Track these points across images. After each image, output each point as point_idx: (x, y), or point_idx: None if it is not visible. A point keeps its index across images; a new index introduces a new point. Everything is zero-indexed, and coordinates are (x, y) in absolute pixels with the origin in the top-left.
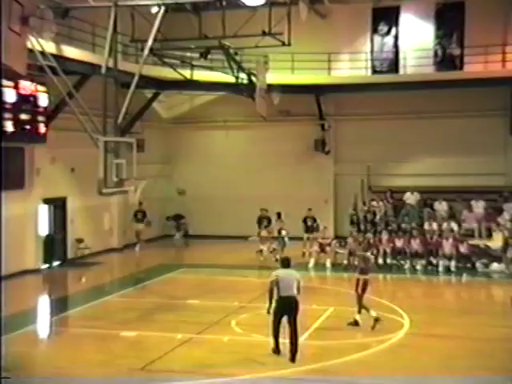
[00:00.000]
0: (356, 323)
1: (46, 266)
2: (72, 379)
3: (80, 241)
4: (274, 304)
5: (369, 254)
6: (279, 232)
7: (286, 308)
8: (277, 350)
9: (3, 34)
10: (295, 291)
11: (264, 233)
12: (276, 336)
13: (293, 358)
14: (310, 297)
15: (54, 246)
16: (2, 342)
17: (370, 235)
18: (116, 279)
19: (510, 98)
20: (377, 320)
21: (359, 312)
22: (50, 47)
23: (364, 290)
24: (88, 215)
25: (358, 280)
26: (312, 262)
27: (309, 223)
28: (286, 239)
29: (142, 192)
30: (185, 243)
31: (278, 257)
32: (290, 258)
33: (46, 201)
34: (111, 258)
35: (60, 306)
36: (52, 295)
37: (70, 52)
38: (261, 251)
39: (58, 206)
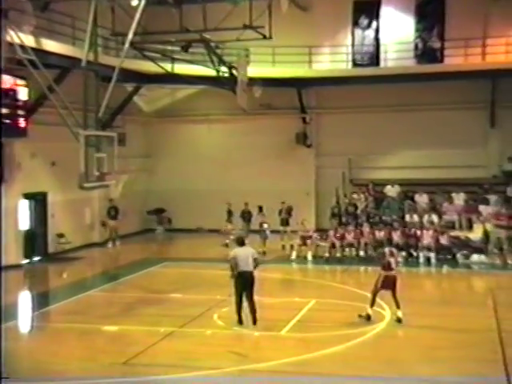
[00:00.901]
0: (368, 317)
1: (27, 261)
2: (54, 374)
3: (61, 235)
4: (234, 279)
5: (391, 249)
6: (261, 225)
7: (244, 282)
8: (240, 321)
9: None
10: (251, 267)
11: (229, 226)
12: (239, 310)
13: (254, 321)
14: (291, 289)
15: (34, 240)
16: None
17: (351, 227)
18: (97, 274)
19: (490, 91)
20: (368, 318)
21: (372, 306)
22: (29, 41)
23: (385, 285)
24: (69, 210)
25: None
26: (294, 254)
27: (282, 216)
28: (268, 232)
29: (123, 186)
30: (166, 237)
31: (259, 250)
32: (243, 236)
33: (27, 195)
34: (92, 252)
35: (41, 301)
36: (33, 290)
37: (50, 45)
38: (226, 245)
39: (38, 200)
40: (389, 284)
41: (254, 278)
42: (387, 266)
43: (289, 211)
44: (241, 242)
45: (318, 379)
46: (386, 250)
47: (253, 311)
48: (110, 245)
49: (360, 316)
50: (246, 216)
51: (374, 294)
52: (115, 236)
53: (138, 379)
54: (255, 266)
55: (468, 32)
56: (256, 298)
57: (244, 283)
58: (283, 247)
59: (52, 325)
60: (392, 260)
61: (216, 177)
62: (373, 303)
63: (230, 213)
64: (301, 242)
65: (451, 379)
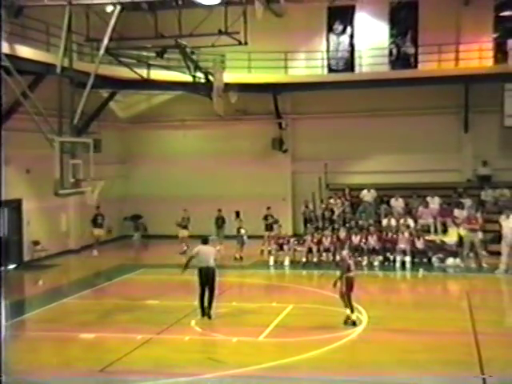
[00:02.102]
0: (354, 323)
1: (2, 268)
2: (31, 382)
3: (36, 243)
4: (196, 275)
5: (344, 252)
6: (238, 231)
7: (206, 276)
8: (202, 314)
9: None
10: (212, 263)
11: (183, 233)
12: (201, 302)
13: (209, 316)
14: (269, 294)
15: (9, 248)
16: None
17: (327, 232)
18: (73, 281)
19: (463, 96)
20: (351, 321)
21: (352, 311)
22: (3, 47)
23: (348, 287)
24: (44, 217)
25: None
26: (272, 259)
27: (269, 221)
28: (245, 238)
29: (99, 193)
30: (143, 243)
31: (237, 255)
32: (207, 237)
33: (1, 203)
34: (68, 259)
35: (16, 309)
36: (8, 298)
37: (24, 51)
38: (184, 252)
39: (13, 207)
40: (351, 286)
41: (214, 273)
42: (348, 269)
43: (273, 216)
44: (204, 241)
45: None
46: (344, 253)
47: (209, 303)
48: (95, 252)
49: (346, 323)
50: (220, 222)
51: (348, 298)
52: (97, 243)
53: None
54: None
55: (441, 38)
56: (234, 303)
57: (206, 277)
58: (262, 252)
59: (27, 333)
60: (351, 262)
61: (192, 182)
62: (352, 307)
63: (184, 220)
64: (277, 247)
65: (427, 382)
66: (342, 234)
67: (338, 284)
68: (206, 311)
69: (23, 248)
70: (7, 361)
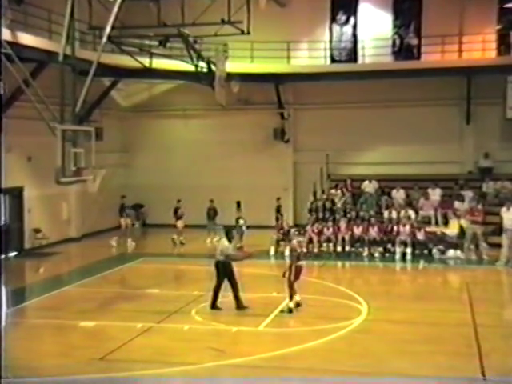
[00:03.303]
0: (290, 310)
1: (3, 256)
2: (29, 370)
3: (37, 231)
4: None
5: (294, 241)
6: (237, 221)
7: (216, 270)
8: (212, 306)
9: None
10: (220, 256)
11: (180, 223)
12: (214, 294)
13: (237, 306)
14: (269, 285)
15: (10, 236)
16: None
17: (329, 223)
18: (74, 269)
19: (466, 88)
20: (298, 305)
21: (291, 299)
22: (5, 34)
23: (297, 276)
24: (45, 205)
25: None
26: (272, 250)
27: (281, 212)
28: (244, 228)
29: (100, 181)
30: (142, 232)
31: (237, 245)
32: (231, 229)
33: (2, 190)
34: (69, 247)
35: (17, 296)
36: (9, 286)
37: (26, 39)
38: (173, 240)
39: (14, 195)
40: (299, 274)
41: (223, 267)
42: (298, 258)
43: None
44: (225, 232)
45: (296, 374)
46: (295, 241)
47: (235, 297)
48: (130, 242)
49: (282, 312)
50: (212, 213)
51: (291, 286)
52: (125, 232)
53: (114, 375)
54: (227, 256)
55: (445, 29)
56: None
57: (216, 271)
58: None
59: (28, 321)
60: (299, 251)
61: (193, 172)
62: (291, 296)
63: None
64: (279, 236)
65: (426, 374)
66: (343, 224)
67: (287, 274)
68: (215, 304)
69: (24, 236)
70: (7, 348)
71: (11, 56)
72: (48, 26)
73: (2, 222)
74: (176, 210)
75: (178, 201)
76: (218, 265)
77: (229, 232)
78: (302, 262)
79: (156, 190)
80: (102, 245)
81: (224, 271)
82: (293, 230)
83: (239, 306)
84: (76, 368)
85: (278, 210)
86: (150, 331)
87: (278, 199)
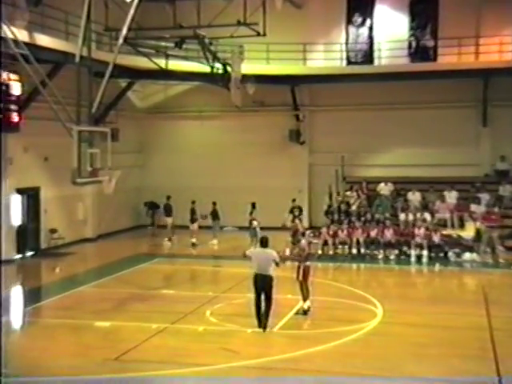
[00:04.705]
0: (305, 312)
1: (20, 256)
2: (45, 370)
3: (53, 231)
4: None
5: (303, 241)
6: (250, 223)
7: (260, 285)
8: (259, 324)
9: None
10: (269, 270)
11: (195, 225)
12: (257, 313)
13: (264, 327)
14: (284, 286)
15: (27, 236)
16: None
17: (343, 225)
18: (90, 269)
19: (482, 90)
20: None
21: (305, 300)
22: (22, 35)
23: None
24: (62, 205)
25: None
26: (287, 251)
27: (296, 213)
28: (258, 230)
29: (116, 182)
30: (154, 233)
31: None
32: (267, 237)
33: (19, 190)
34: (85, 248)
35: (33, 296)
36: (25, 285)
37: (43, 40)
38: (193, 244)
39: (31, 195)
40: (307, 275)
41: (271, 282)
42: (306, 258)
43: (300, 208)
44: (263, 244)
45: (309, 376)
46: (303, 242)
47: (265, 313)
48: (168, 241)
49: (297, 313)
50: (213, 215)
51: (302, 287)
52: (170, 230)
53: (129, 375)
54: (277, 264)
55: (461, 31)
56: (249, 294)
57: (262, 285)
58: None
59: (44, 320)
60: (310, 252)
61: (209, 173)
62: (305, 297)
63: (193, 212)
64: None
65: (441, 377)
66: (358, 227)
67: (299, 276)
68: (262, 321)
69: (40, 236)
70: (22, 347)
71: (28, 57)
72: (65, 27)
73: (19, 222)
74: (193, 212)
75: (193, 202)
76: (264, 279)
77: (265, 241)
78: (309, 263)
79: (171, 191)
80: (117, 245)
81: (270, 286)
82: (308, 232)
83: (265, 326)
84: (91, 368)
85: (292, 211)
86: (165, 332)
87: (294, 200)
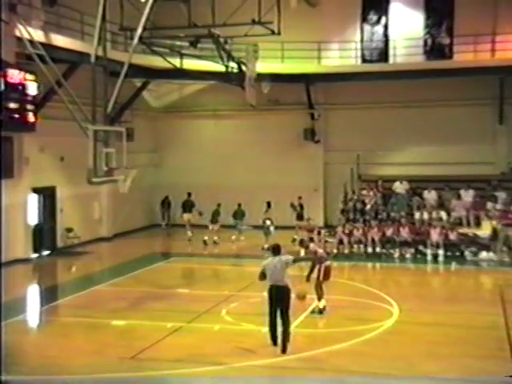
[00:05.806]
0: (320, 311)
1: (36, 255)
2: (61, 368)
3: (69, 230)
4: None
5: (312, 245)
6: (264, 222)
7: (274, 297)
8: (273, 342)
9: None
10: (284, 280)
11: (213, 226)
12: (270, 328)
13: (283, 349)
14: (299, 285)
15: (43, 235)
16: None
17: (359, 224)
18: (106, 268)
19: (498, 87)
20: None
21: (320, 299)
22: (38, 35)
23: (326, 276)
24: (77, 204)
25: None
26: (302, 251)
27: (298, 210)
28: (272, 228)
29: (131, 181)
30: (168, 231)
31: (265, 246)
32: (279, 245)
33: (36, 190)
34: (101, 247)
35: (50, 295)
36: (42, 284)
37: (59, 40)
38: (204, 241)
39: (47, 195)
40: (328, 274)
41: (284, 294)
42: (322, 259)
43: (302, 206)
44: (275, 252)
45: (325, 376)
46: (312, 245)
47: (282, 336)
48: (189, 233)
49: (312, 312)
50: (239, 216)
51: (319, 287)
52: (189, 226)
53: (145, 374)
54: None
55: (477, 28)
56: (264, 293)
57: (276, 298)
58: (294, 241)
59: (60, 319)
60: (322, 252)
61: (223, 172)
62: (320, 297)
63: (216, 213)
64: (308, 238)
65: (457, 377)
66: (374, 225)
67: (314, 275)
68: (276, 339)
69: (56, 235)
70: (39, 345)
71: (44, 57)
72: (80, 27)
73: (35, 222)
74: (216, 213)
75: (218, 204)
76: (278, 291)
77: (276, 249)
78: (329, 262)
79: (185, 190)
80: (132, 244)
81: (286, 298)
82: (323, 231)
83: (284, 348)
84: (107, 366)
85: (294, 206)
86: (181, 331)
87: (300, 198)
